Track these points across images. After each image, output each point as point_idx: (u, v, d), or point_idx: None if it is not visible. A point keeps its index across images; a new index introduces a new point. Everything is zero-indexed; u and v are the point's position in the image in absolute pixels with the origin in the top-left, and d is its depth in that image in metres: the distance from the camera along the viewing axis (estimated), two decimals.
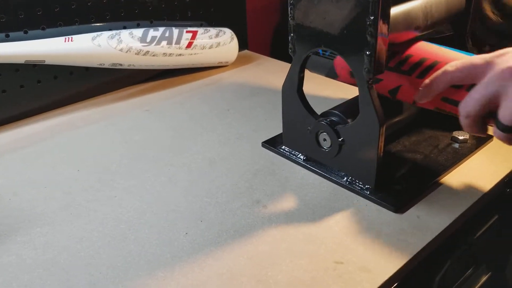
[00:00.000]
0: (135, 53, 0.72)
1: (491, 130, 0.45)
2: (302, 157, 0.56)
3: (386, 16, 0.43)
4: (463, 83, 0.45)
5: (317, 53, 0.56)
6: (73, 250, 0.44)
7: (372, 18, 0.42)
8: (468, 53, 0.49)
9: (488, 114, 0.43)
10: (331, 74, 0.56)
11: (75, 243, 0.45)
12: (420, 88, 0.47)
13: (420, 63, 0.49)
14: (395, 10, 0.47)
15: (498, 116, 0.42)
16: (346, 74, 0.54)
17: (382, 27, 0.43)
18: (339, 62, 0.54)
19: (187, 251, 0.44)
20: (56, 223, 0.48)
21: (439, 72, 0.46)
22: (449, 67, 0.45)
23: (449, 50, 0.50)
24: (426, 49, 0.51)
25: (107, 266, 0.42)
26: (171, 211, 0.49)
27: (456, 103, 0.46)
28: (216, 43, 0.82)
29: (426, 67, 0.49)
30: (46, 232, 0.47)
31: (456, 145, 0.57)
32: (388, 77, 0.51)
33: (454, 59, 0.47)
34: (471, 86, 0.44)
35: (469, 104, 0.43)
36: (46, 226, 0.47)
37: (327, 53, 0.55)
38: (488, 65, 0.43)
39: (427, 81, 0.47)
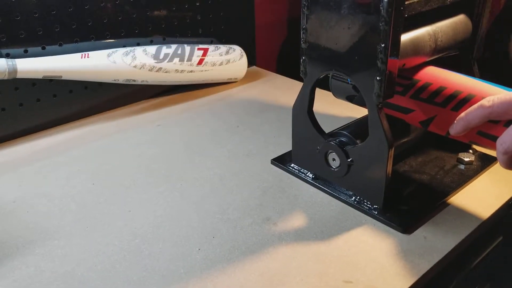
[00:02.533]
0: (149, 70, 0.74)
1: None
2: (311, 175, 0.58)
3: (396, 43, 0.44)
4: (501, 118, 0.45)
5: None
6: (90, 264, 0.45)
7: (383, 45, 0.44)
8: (503, 86, 0.49)
9: None
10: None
11: (92, 257, 0.46)
12: (455, 121, 0.47)
13: (454, 95, 0.49)
14: (404, 37, 0.49)
15: None
16: None
17: (392, 54, 0.44)
18: None
19: (200, 267, 0.45)
20: (73, 236, 0.49)
21: (475, 106, 0.45)
22: (486, 102, 0.44)
23: (481, 83, 0.50)
24: (458, 81, 0.50)
25: (122, 280, 0.43)
26: (184, 226, 0.50)
27: (493, 138, 0.46)
28: (226, 60, 0.84)
29: (461, 100, 0.48)
30: (63, 245, 0.48)
31: (462, 167, 0.59)
32: (420, 108, 0.51)
33: (490, 93, 0.46)
34: (509, 122, 0.44)
35: (507, 140, 0.42)
36: (62, 239, 0.49)
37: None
38: None
39: (462, 114, 0.46)
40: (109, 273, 0.44)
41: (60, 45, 0.71)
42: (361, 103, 0.54)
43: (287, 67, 1.10)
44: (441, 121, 0.50)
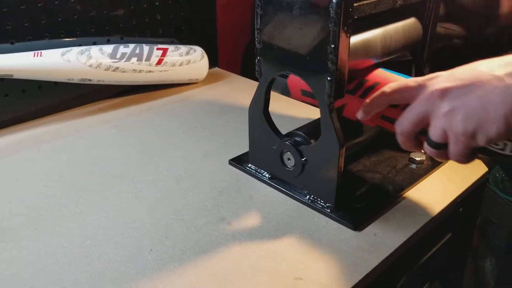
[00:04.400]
0: (105, 69, 0.73)
1: None
2: (267, 175, 0.58)
3: (346, 44, 0.45)
4: (399, 103, 0.49)
5: None
6: (38, 266, 0.44)
7: (332, 46, 0.45)
8: (402, 74, 0.53)
9: (421, 131, 0.47)
10: (285, 92, 0.59)
11: (40, 259, 0.45)
12: (361, 107, 0.51)
13: (361, 83, 0.53)
14: (354, 39, 0.50)
15: (429, 133, 0.46)
16: (298, 92, 0.58)
17: (342, 55, 0.45)
18: (292, 81, 0.58)
19: (151, 267, 0.44)
20: (21, 239, 0.48)
21: (377, 92, 0.49)
22: (386, 88, 0.49)
23: (386, 72, 0.54)
24: (365, 70, 0.54)
25: (71, 283, 0.42)
26: (137, 227, 0.50)
27: (393, 121, 0.50)
28: (187, 60, 0.83)
29: (367, 88, 0.53)
30: (11, 248, 0.47)
31: (413, 166, 0.60)
32: None
33: (392, 80, 0.51)
34: (406, 106, 0.48)
35: (403, 122, 0.47)
36: (10, 242, 0.47)
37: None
38: (420, 87, 0.46)
39: (367, 100, 0.50)
40: (57, 276, 0.43)
41: (12, 43, 0.68)
42: None
43: (251, 69, 1.10)
44: (351, 107, 0.53)
